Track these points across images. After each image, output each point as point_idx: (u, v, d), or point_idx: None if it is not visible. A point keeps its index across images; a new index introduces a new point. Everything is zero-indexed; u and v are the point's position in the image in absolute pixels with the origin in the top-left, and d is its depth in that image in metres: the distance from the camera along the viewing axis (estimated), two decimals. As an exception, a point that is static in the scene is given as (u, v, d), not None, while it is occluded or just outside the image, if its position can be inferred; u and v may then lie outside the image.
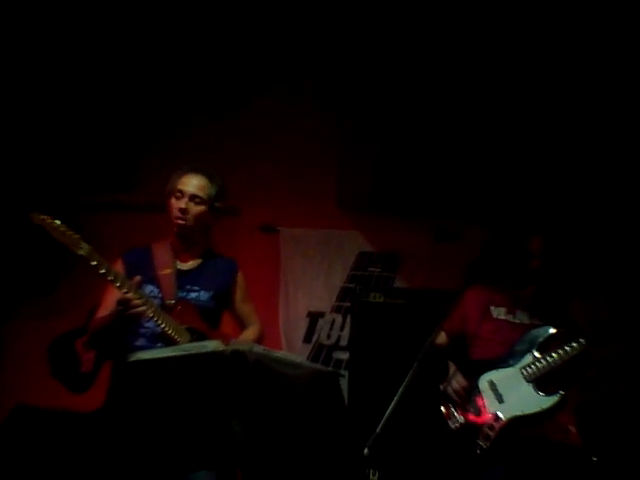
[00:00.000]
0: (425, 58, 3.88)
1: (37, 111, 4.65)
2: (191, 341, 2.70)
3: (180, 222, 2.89)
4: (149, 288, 2.81)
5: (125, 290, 2.56)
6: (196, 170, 2.98)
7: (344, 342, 4.85)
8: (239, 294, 3.10)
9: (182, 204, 2.89)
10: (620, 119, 4.13)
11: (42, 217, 2.48)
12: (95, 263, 2.52)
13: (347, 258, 5.09)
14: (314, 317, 4.99)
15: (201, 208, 2.93)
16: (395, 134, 4.52)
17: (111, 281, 2.55)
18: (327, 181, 5.06)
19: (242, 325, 3.14)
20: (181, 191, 2.91)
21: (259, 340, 3.09)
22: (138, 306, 2.56)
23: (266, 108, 4.99)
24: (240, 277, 3.11)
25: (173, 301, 2.81)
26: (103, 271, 2.53)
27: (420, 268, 4.97)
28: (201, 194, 2.92)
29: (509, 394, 2.89)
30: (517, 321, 3.11)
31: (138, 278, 2.63)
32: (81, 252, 2.50)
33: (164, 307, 2.76)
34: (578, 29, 3.38)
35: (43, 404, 4.28)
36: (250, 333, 3.10)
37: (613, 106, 4.04)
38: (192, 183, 2.93)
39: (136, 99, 4.83)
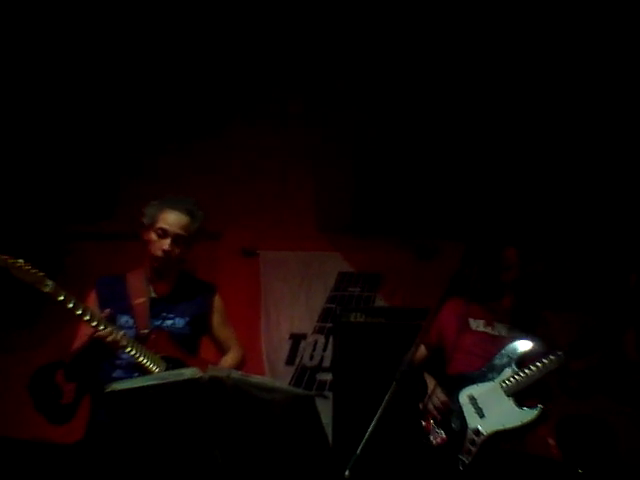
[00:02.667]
0: (398, 78, 3.94)
1: (14, 142, 4.65)
2: (167, 369, 2.67)
3: (162, 261, 2.84)
4: (124, 318, 2.80)
5: (95, 323, 2.54)
6: (178, 207, 2.88)
7: (327, 363, 4.83)
8: (216, 318, 3.05)
9: (166, 245, 2.82)
10: (595, 132, 4.20)
11: (3, 257, 2.44)
12: (62, 298, 2.50)
13: (328, 279, 5.10)
14: (296, 339, 4.98)
15: (183, 247, 2.88)
16: (371, 154, 4.57)
17: (80, 315, 2.53)
18: (306, 204, 5.08)
19: (222, 350, 3.10)
20: (164, 230, 2.83)
21: (240, 365, 3.06)
22: (113, 341, 2.55)
23: (244, 133, 5.02)
24: (217, 301, 3.07)
25: (147, 330, 2.78)
26: (71, 305, 2.52)
27: (401, 287, 4.99)
28: (184, 233, 2.86)
29: (490, 408, 2.89)
30: (496, 333, 3.10)
31: (108, 311, 2.61)
32: (47, 289, 2.49)
33: (138, 337, 2.74)
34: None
35: (23, 436, 4.22)
36: (230, 358, 3.06)
37: (587, 118, 4.11)
38: (175, 222, 2.85)
39: (114, 129, 4.85)
